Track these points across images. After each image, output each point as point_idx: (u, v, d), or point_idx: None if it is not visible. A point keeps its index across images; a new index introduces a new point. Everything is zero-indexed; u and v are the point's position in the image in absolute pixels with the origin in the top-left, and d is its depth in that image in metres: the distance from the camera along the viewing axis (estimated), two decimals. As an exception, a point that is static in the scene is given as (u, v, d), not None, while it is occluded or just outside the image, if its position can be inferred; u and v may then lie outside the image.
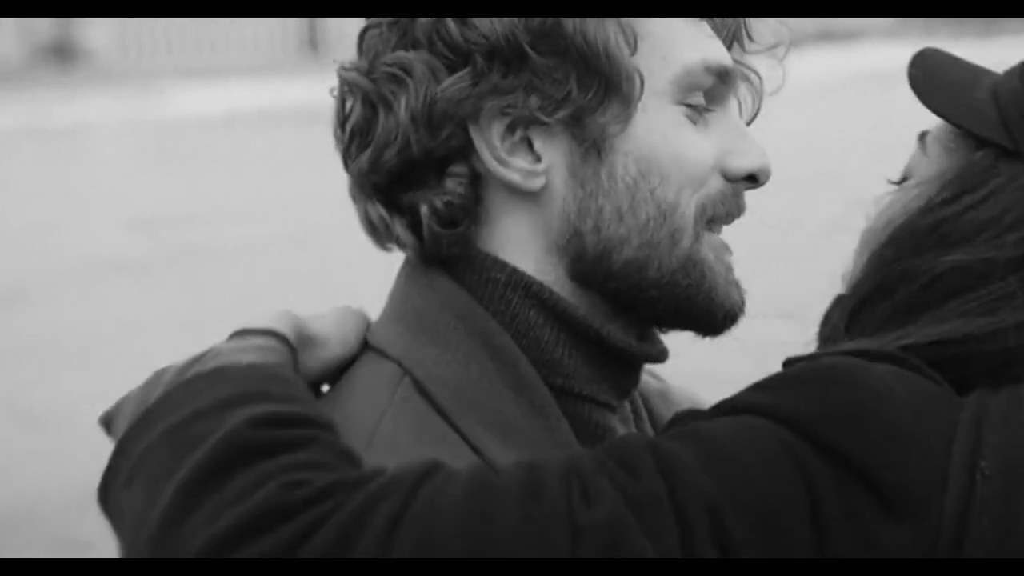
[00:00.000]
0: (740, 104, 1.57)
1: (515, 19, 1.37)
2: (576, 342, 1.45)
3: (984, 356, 1.43)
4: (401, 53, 1.40)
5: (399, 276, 1.51)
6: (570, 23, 1.37)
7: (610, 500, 1.23)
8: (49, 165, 26.68)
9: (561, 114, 1.38)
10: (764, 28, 1.62)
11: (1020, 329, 1.44)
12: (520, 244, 1.44)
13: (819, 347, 1.58)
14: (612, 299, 1.46)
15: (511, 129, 1.40)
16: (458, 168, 1.41)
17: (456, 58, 1.38)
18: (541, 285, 1.43)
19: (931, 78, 1.60)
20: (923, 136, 1.63)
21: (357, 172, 1.45)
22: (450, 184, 1.42)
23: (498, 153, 1.40)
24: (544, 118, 1.38)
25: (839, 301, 1.60)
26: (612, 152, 1.41)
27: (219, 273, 15.47)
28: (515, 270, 1.43)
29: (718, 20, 1.55)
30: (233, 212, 19.98)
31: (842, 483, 1.31)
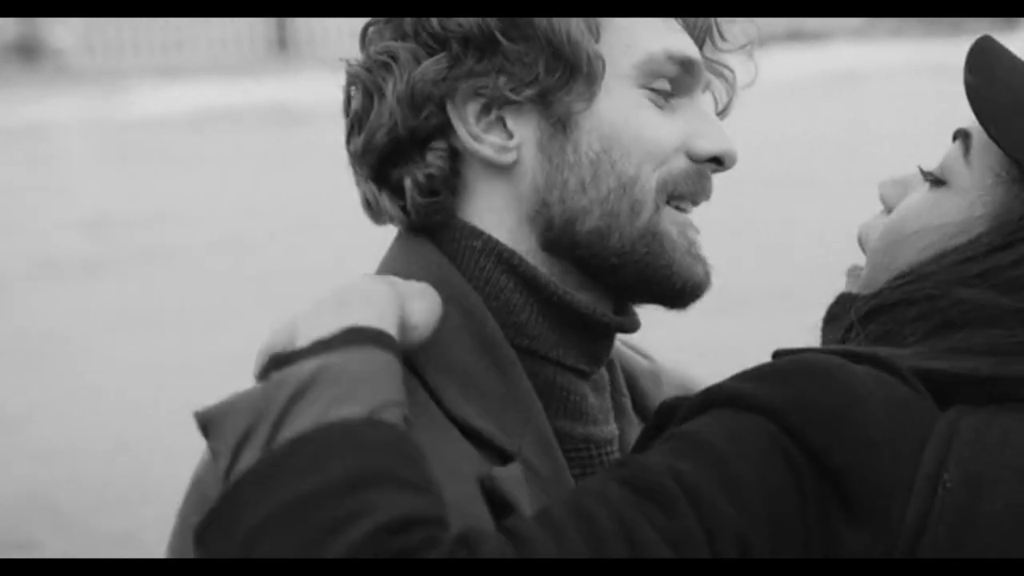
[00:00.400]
0: (716, 99, 1.66)
1: None
2: (543, 307, 1.54)
3: (990, 389, 1.44)
4: (390, 43, 1.53)
5: (391, 246, 1.61)
6: None
7: (655, 547, 1.28)
8: (12, 164, 26.57)
9: (528, 92, 1.49)
10: (734, 27, 1.67)
11: None
12: (496, 214, 1.54)
13: (822, 343, 1.59)
14: (581, 268, 1.55)
15: (486, 109, 1.51)
16: (438, 144, 1.53)
17: (436, 45, 1.51)
18: (512, 252, 1.53)
19: (989, 92, 1.55)
20: (965, 137, 1.58)
21: (353, 154, 1.57)
22: (430, 158, 1.53)
23: (473, 130, 1.52)
24: (513, 96, 1.49)
25: (850, 300, 1.59)
26: (577, 129, 1.51)
27: (176, 273, 15.42)
28: (490, 238, 1.53)
29: (687, 20, 1.61)
30: (193, 212, 19.94)
31: (818, 481, 1.34)
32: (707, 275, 1.58)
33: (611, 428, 1.60)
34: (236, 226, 18.44)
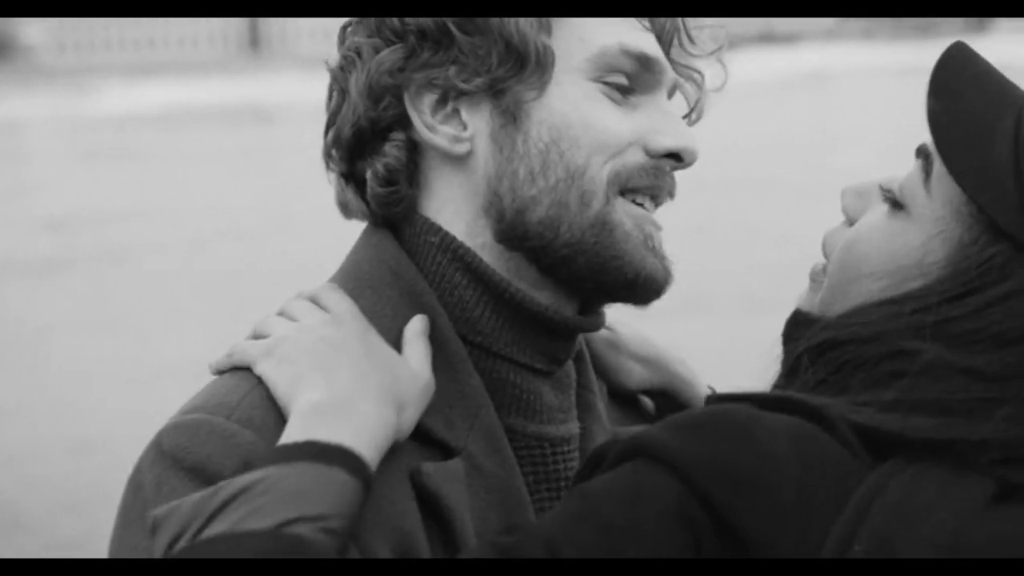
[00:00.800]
0: (689, 102, 1.66)
1: None
2: (496, 304, 1.56)
3: (930, 449, 1.38)
4: (356, 39, 1.57)
5: (356, 240, 1.63)
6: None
7: None
8: (-21, 162, 26.40)
9: (478, 82, 1.52)
10: (704, 32, 1.66)
11: (987, 442, 1.38)
12: (453, 206, 1.57)
13: (783, 361, 1.54)
14: (536, 261, 1.55)
15: (443, 101, 1.54)
16: (397, 135, 1.56)
17: (395, 39, 1.54)
18: (467, 249, 1.55)
19: (949, 120, 1.47)
20: (927, 159, 1.50)
21: (324, 149, 1.60)
22: (388, 148, 1.56)
23: (428, 120, 1.54)
24: (463, 86, 1.52)
25: (804, 321, 1.54)
26: (527, 119, 1.53)
27: (142, 273, 15.34)
28: (447, 234, 1.56)
29: (656, 23, 1.61)
30: (162, 211, 19.85)
31: (719, 542, 1.31)
32: (665, 270, 1.57)
33: (569, 427, 1.60)
34: (205, 225, 18.39)
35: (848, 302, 1.50)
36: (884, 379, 1.41)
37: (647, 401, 1.78)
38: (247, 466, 1.38)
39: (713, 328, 10.66)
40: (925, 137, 1.52)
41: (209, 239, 17.26)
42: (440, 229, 1.56)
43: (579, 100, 1.53)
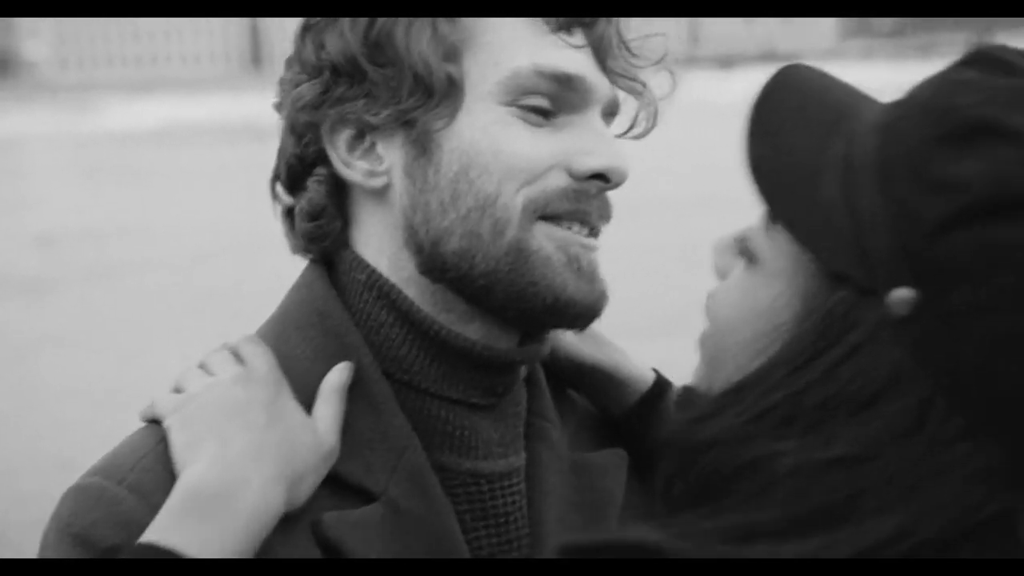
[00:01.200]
0: (644, 115, 1.61)
1: (355, 37, 1.50)
2: (422, 342, 1.52)
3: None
4: (285, 74, 1.57)
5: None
6: (400, 33, 1.49)
7: None
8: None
9: (385, 114, 1.49)
10: (650, 41, 1.59)
11: (873, 550, 1.16)
12: (377, 241, 1.55)
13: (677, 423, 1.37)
14: (459, 292, 1.51)
15: (360, 136, 1.52)
16: (320, 171, 1.55)
17: (315, 75, 1.53)
18: (392, 286, 1.53)
19: (775, 162, 1.27)
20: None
21: (269, 184, 1.60)
22: (311, 184, 1.55)
23: (343, 156, 1.52)
24: (371, 119, 1.50)
25: (688, 405, 1.35)
26: (438, 150, 1.49)
27: (133, 290, 15.32)
28: (373, 271, 1.54)
29: (591, 36, 1.55)
30: (159, 228, 19.86)
31: None
32: (594, 292, 1.51)
33: (510, 461, 1.56)
34: (205, 242, 18.40)
35: (720, 380, 1.31)
36: (754, 496, 1.21)
37: (579, 397, 1.72)
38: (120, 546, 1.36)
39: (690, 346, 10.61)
40: None
41: (209, 256, 17.27)
42: (368, 266, 1.53)
43: (489, 126, 1.48)
